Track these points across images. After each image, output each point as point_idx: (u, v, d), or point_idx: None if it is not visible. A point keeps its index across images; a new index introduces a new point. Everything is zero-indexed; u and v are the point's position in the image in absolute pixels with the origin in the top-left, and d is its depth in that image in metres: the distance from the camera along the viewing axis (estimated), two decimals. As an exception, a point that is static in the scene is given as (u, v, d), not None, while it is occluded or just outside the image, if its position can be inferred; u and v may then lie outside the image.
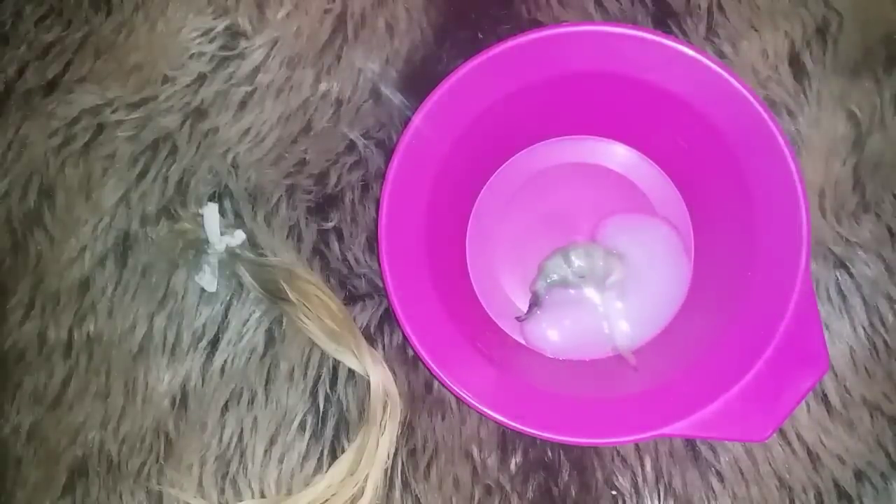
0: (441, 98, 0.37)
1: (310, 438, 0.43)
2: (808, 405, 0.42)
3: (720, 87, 0.37)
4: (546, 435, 0.36)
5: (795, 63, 0.45)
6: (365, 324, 0.44)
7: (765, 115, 0.36)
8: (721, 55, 0.46)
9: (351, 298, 0.45)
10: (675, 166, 0.43)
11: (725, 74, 0.37)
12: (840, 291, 0.43)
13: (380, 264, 0.37)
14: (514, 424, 0.36)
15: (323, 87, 0.47)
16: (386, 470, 0.42)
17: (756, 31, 0.46)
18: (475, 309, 0.43)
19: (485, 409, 0.36)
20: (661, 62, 0.37)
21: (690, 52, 0.37)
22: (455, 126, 0.39)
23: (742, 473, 0.42)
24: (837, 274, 0.43)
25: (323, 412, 0.44)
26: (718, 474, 0.42)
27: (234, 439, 0.44)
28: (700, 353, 0.38)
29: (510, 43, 0.37)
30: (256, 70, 0.47)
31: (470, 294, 0.43)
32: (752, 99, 0.36)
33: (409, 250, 0.38)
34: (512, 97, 0.39)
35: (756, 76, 0.45)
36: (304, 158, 0.46)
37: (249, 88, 0.47)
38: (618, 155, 0.44)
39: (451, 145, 0.39)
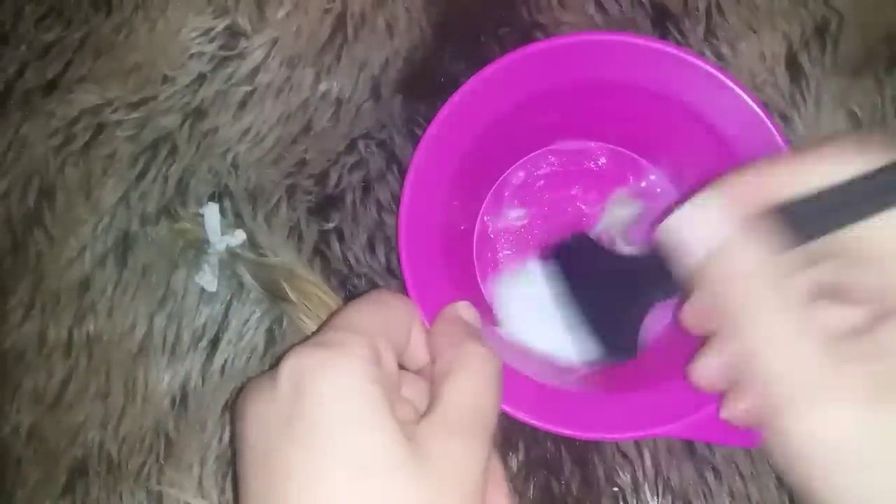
0: (464, 97, 0.37)
1: (310, 438, 0.43)
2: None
3: (737, 108, 0.37)
4: (548, 427, 0.36)
5: (792, 65, 0.45)
6: (365, 323, 0.44)
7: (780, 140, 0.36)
8: (720, 57, 0.46)
9: (350, 298, 0.45)
10: (688, 179, 0.43)
11: (745, 96, 0.37)
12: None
13: (402, 273, 0.37)
14: (519, 415, 0.36)
15: (323, 86, 0.47)
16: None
17: (755, 32, 0.46)
18: (482, 305, 0.43)
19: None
20: (684, 79, 0.37)
21: (712, 71, 0.37)
22: (474, 128, 0.38)
23: (740, 472, 0.42)
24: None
25: (323, 412, 0.43)
26: (715, 471, 0.42)
27: (235, 439, 0.44)
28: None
29: (529, 49, 0.37)
30: (256, 70, 0.47)
31: (477, 291, 0.43)
32: (770, 125, 0.36)
33: (428, 260, 0.38)
34: (528, 102, 0.39)
35: (753, 80, 0.45)
36: (304, 158, 0.46)
37: (249, 88, 0.47)
38: (625, 163, 0.44)
39: (471, 144, 0.39)
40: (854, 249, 0.25)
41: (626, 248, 0.43)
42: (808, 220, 0.25)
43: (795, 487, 0.25)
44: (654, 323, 0.42)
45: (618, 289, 0.36)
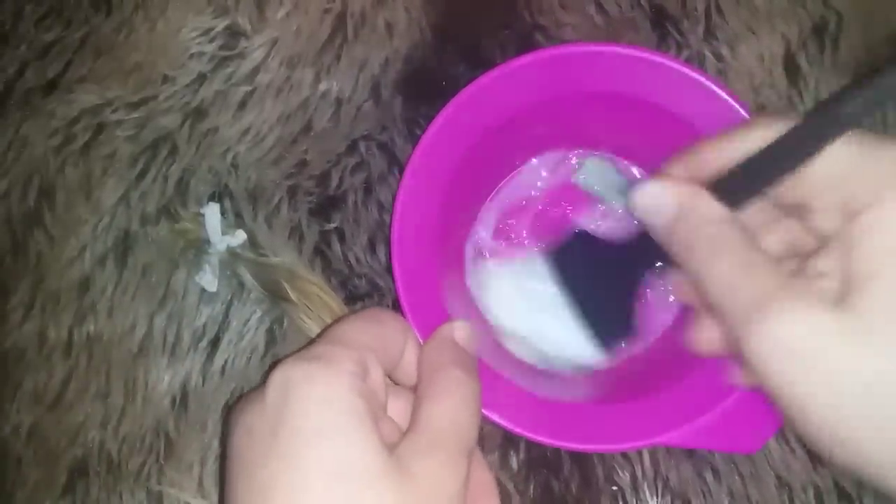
0: (461, 104, 0.37)
1: (311, 438, 0.43)
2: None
3: (723, 113, 0.37)
4: (547, 441, 0.37)
5: (790, 65, 0.46)
6: (365, 324, 0.44)
7: None
8: (719, 58, 0.46)
9: (351, 298, 0.45)
10: None
11: (732, 102, 0.37)
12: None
13: (395, 285, 0.37)
14: (517, 430, 0.36)
15: (323, 86, 0.47)
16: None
17: (754, 33, 0.46)
18: (476, 317, 0.43)
19: (488, 414, 0.36)
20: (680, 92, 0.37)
21: (700, 79, 0.37)
22: (470, 135, 0.38)
23: (739, 471, 0.43)
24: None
25: (324, 412, 0.44)
26: (715, 471, 0.42)
27: (235, 439, 0.44)
28: (694, 366, 0.38)
29: (529, 58, 0.37)
30: (256, 70, 0.47)
31: (470, 302, 0.43)
32: None
33: (422, 276, 0.38)
34: (518, 114, 0.39)
35: (751, 81, 0.45)
36: (305, 159, 0.46)
37: (249, 88, 0.47)
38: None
39: (460, 159, 0.39)
40: (788, 198, 0.28)
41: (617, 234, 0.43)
42: (738, 184, 0.29)
43: (771, 395, 0.26)
44: (650, 328, 0.43)
45: (612, 274, 0.37)
